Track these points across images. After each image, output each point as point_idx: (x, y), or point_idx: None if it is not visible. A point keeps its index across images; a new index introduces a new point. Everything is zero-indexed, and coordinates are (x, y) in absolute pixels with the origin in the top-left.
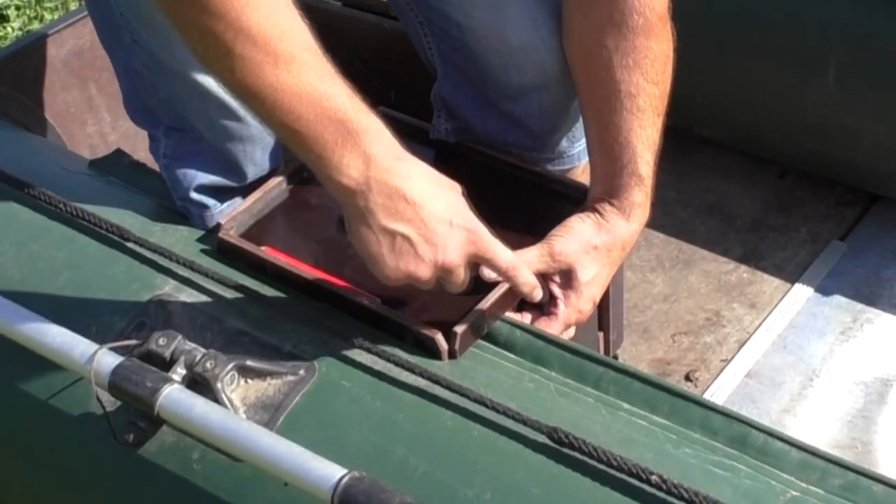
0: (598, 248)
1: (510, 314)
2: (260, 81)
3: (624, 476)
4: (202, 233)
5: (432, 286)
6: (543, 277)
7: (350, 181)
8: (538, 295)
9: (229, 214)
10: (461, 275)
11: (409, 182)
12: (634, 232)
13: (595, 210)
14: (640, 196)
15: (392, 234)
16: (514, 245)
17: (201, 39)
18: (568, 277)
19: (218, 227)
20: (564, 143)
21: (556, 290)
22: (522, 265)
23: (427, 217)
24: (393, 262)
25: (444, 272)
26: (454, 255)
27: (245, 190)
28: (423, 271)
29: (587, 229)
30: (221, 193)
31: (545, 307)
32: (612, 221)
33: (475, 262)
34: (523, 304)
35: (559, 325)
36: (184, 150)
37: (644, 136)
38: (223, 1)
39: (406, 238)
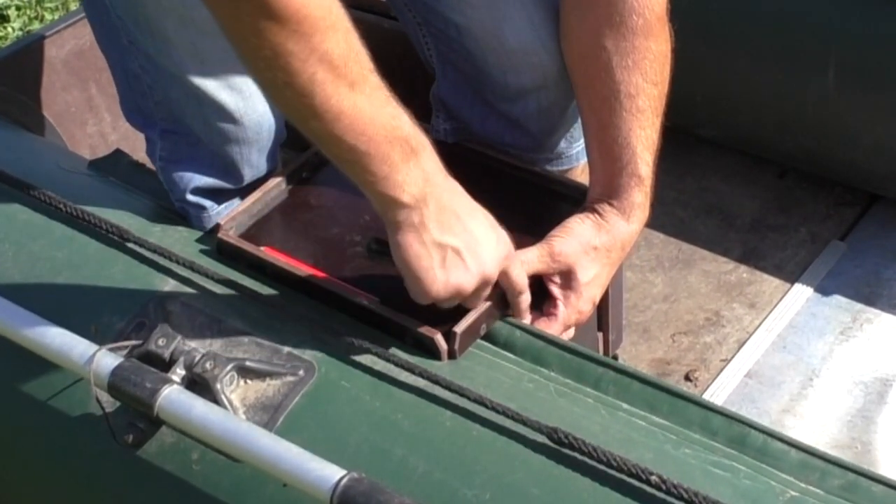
0: (598, 249)
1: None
2: (338, 105)
3: (623, 476)
4: (201, 233)
5: (471, 300)
6: (543, 278)
7: (410, 198)
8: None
9: (228, 215)
10: (490, 289)
11: (457, 198)
12: (634, 232)
13: (594, 210)
14: (639, 196)
15: (444, 248)
16: (514, 245)
17: (275, 63)
18: (567, 278)
19: (217, 227)
20: (563, 143)
21: (556, 290)
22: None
23: (475, 230)
24: (443, 277)
25: (482, 285)
26: (494, 268)
27: (242, 192)
28: (469, 284)
29: (587, 230)
30: (218, 195)
31: (545, 308)
32: (612, 222)
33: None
34: None
35: (559, 326)
36: (180, 153)
37: (643, 136)
38: (308, 24)
39: (456, 251)
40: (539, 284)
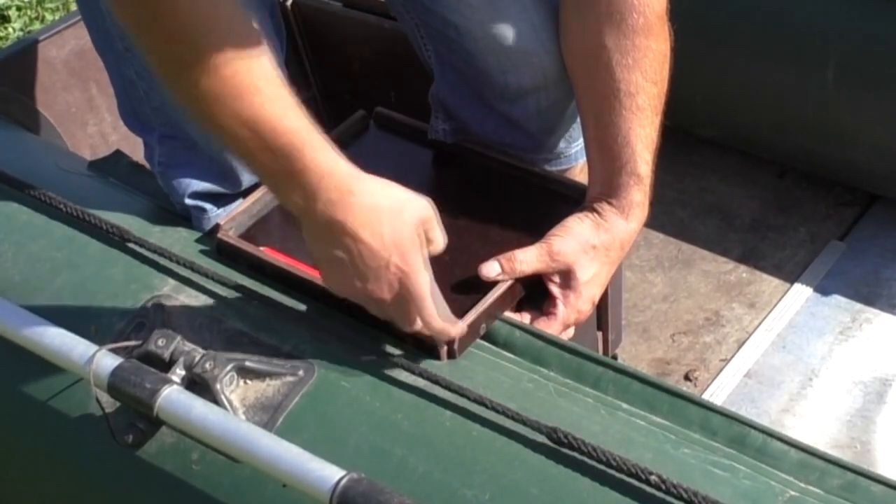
0: (597, 248)
1: (509, 314)
2: (220, 112)
3: (623, 476)
4: (201, 233)
5: (379, 315)
6: (542, 277)
7: (294, 207)
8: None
9: (228, 215)
10: (403, 312)
11: (352, 215)
12: (633, 231)
13: (594, 210)
14: (638, 195)
15: (329, 257)
16: (512, 245)
17: (163, 62)
18: (567, 277)
19: (217, 227)
20: (562, 143)
21: (555, 290)
22: (443, 327)
23: (363, 251)
24: (333, 281)
25: (377, 306)
26: (383, 293)
27: (241, 196)
28: (358, 298)
29: (586, 229)
30: (217, 200)
31: (544, 307)
32: (611, 221)
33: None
34: (523, 304)
35: (558, 325)
36: (178, 158)
37: (643, 135)
38: (189, 28)
39: (341, 262)
40: (538, 284)
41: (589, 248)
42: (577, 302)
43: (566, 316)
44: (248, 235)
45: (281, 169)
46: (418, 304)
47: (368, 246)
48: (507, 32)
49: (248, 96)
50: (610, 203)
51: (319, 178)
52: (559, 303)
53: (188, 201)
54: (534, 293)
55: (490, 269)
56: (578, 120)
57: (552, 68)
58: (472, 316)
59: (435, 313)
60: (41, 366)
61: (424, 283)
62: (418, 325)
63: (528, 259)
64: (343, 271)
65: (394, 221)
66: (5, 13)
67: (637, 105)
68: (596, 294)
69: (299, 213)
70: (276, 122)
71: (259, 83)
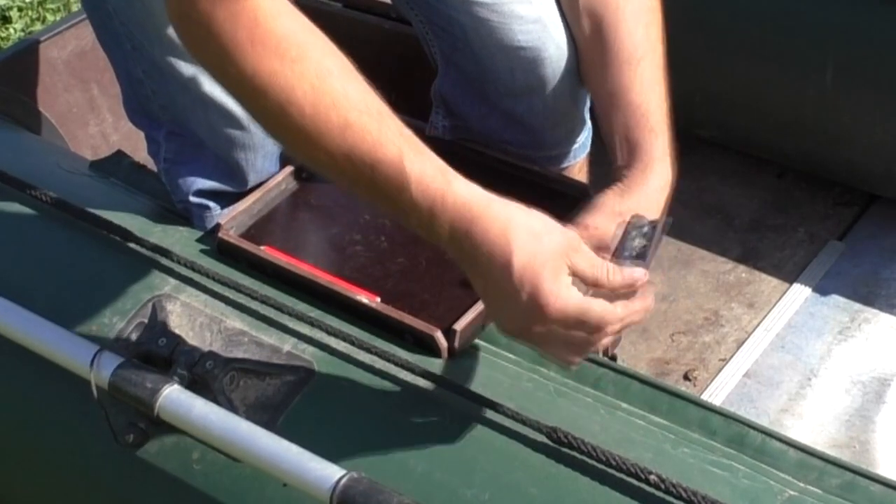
0: (622, 214)
1: None
2: (315, 151)
3: (622, 475)
4: (202, 233)
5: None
6: None
7: (435, 241)
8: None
9: (229, 214)
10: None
11: (473, 247)
12: (660, 188)
13: (617, 180)
14: (658, 150)
15: (492, 292)
16: None
17: (254, 112)
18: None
19: (218, 227)
20: (563, 139)
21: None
22: (613, 320)
23: (493, 285)
24: (501, 316)
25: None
26: (537, 331)
27: (246, 195)
28: (530, 340)
29: (609, 198)
30: (222, 198)
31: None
32: (635, 185)
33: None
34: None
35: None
36: (185, 156)
37: (659, 91)
38: (267, 77)
39: (502, 295)
40: None
41: (616, 215)
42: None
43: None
44: (248, 235)
45: (392, 205)
46: (590, 265)
47: (497, 286)
48: (516, 29)
49: (339, 132)
50: (631, 169)
51: (429, 213)
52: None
53: (193, 199)
54: None
55: None
56: (580, 116)
57: (560, 63)
58: (471, 315)
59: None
60: (42, 366)
61: (571, 305)
62: (608, 336)
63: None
64: (508, 307)
65: (529, 246)
66: (6, 14)
67: (657, 63)
68: None
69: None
70: (371, 154)
71: (347, 115)
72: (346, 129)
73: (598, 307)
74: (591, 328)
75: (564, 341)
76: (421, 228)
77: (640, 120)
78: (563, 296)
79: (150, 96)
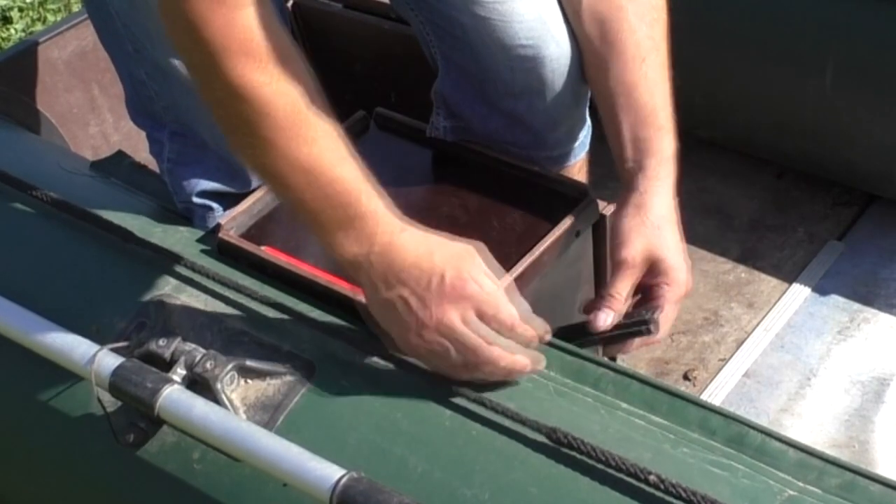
0: (649, 225)
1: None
2: (278, 161)
3: (622, 476)
4: (202, 233)
5: (464, 371)
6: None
7: (349, 256)
8: (540, 364)
9: (229, 215)
10: (470, 344)
11: (404, 252)
12: (671, 187)
13: (629, 191)
14: (667, 148)
15: (392, 303)
16: (512, 244)
17: (226, 116)
18: (656, 270)
19: (218, 227)
20: (564, 139)
21: (653, 281)
22: (521, 323)
23: (418, 275)
24: (401, 335)
25: (450, 339)
26: (450, 315)
27: (247, 196)
28: (433, 342)
29: (630, 220)
30: (224, 199)
31: (650, 298)
32: (648, 194)
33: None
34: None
35: (672, 307)
36: (188, 156)
37: (664, 89)
38: (253, 87)
39: (404, 301)
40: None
41: (646, 232)
42: (675, 276)
43: (675, 295)
44: (249, 235)
45: (339, 218)
46: (496, 307)
47: (422, 268)
48: (517, 29)
49: (306, 146)
50: (641, 175)
51: (377, 222)
52: (663, 287)
53: (196, 199)
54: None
55: (603, 319)
56: (581, 114)
57: (561, 62)
58: None
59: (514, 311)
60: (43, 365)
61: (490, 286)
62: (497, 362)
63: (621, 285)
64: (407, 316)
65: (441, 246)
66: (7, 14)
67: (661, 62)
68: (680, 258)
69: (355, 263)
70: (336, 169)
71: (315, 134)
72: (313, 144)
73: (486, 334)
74: (468, 346)
75: (450, 353)
76: (343, 239)
77: (648, 118)
78: (481, 279)
79: (152, 97)
